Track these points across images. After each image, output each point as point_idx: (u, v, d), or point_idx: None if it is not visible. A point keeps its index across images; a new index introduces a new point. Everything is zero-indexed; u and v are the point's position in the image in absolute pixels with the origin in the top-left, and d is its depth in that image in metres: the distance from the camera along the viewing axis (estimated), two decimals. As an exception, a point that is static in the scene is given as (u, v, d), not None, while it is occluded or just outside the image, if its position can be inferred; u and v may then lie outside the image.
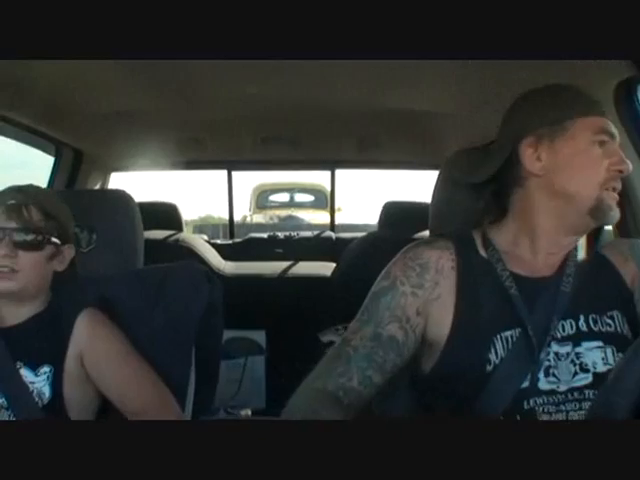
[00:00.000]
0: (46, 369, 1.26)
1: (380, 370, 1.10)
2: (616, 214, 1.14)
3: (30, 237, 1.26)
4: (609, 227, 1.72)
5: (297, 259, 3.29)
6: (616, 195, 1.14)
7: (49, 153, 2.68)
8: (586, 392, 1.09)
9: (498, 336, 1.11)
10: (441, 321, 1.13)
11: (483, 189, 1.25)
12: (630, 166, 1.12)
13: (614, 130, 1.15)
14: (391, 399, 1.32)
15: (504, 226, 1.21)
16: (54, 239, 1.29)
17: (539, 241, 1.17)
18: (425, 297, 1.13)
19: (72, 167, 2.74)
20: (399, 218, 2.64)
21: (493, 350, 1.10)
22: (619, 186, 1.14)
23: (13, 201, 1.26)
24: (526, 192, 1.17)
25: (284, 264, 3.23)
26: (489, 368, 1.09)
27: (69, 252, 1.34)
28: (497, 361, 1.09)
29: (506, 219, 1.21)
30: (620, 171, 1.12)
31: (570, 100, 1.16)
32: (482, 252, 1.18)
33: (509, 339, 1.10)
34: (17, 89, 1.88)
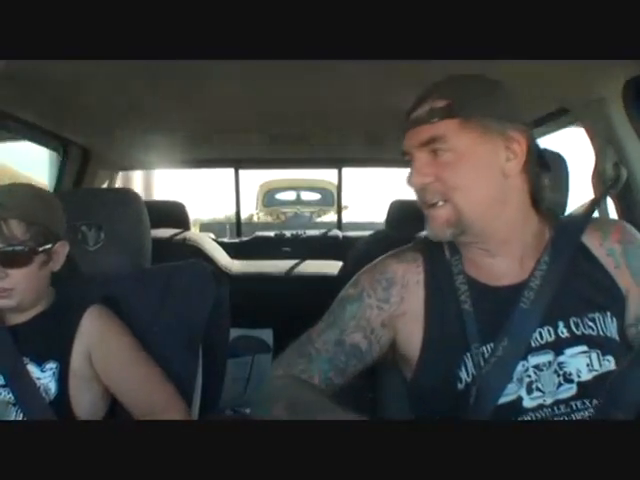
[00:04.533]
0: (52, 365, 1.26)
1: (341, 374, 1.11)
2: (432, 231, 1.10)
3: (16, 253, 1.21)
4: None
5: (304, 258, 3.29)
6: (429, 211, 1.09)
7: (57, 152, 2.70)
8: (572, 404, 1.05)
9: (468, 354, 1.07)
10: (412, 336, 1.12)
11: None
12: (416, 179, 1.08)
13: (411, 146, 1.11)
14: (395, 406, 1.32)
15: None
16: (42, 247, 1.25)
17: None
18: (391, 311, 1.13)
19: (80, 166, 2.75)
20: (406, 217, 2.63)
21: (463, 368, 1.07)
22: (421, 199, 1.10)
23: None
24: None
25: (291, 263, 3.23)
26: (460, 386, 1.07)
27: (62, 249, 1.30)
28: (468, 379, 1.06)
29: None
30: (414, 187, 1.10)
31: None
32: (448, 257, 1.15)
33: (479, 356, 1.06)
34: (25, 88, 1.88)
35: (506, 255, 1.11)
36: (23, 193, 1.27)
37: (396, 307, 1.13)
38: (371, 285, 1.14)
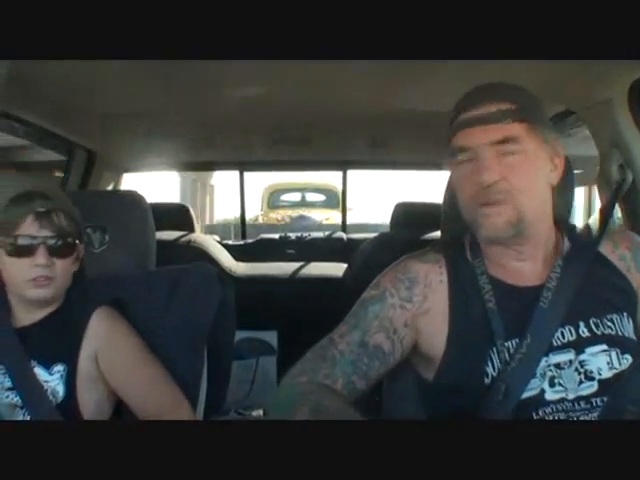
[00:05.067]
0: (60, 368, 1.26)
1: (364, 377, 1.11)
2: (487, 230, 1.09)
3: (63, 244, 1.26)
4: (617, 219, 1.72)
5: (309, 260, 3.29)
6: (489, 210, 1.08)
7: (62, 154, 2.70)
8: (593, 401, 1.08)
9: (494, 348, 1.10)
10: (435, 335, 1.14)
11: None
12: (488, 176, 1.06)
13: (472, 141, 1.09)
14: (400, 409, 1.32)
15: None
16: (77, 242, 1.30)
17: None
18: (414, 311, 1.14)
19: (85, 168, 2.75)
20: (411, 219, 2.64)
21: (490, 363, 1.10)
22: (483, 198, 1.08)
23: (42, 208, 1.24)
24: None
25: (295, 265, 3.23)
26: (487, 381, 1.09)
27: (81, 251, 1.34)
28: (494, 373, 1.09)
29: None
30: (481, 184, 1.07)
31: (450, 123, 1.15)
32: (470, 258, 1.18)
33: (504, 352, 1.09)
34: (30, 89, 1.89)
35: (532, 258, 1.15)
36: (61, 191, 1.34)
37: (419, 306, 1.14)
38: (393, 285, 1.16)
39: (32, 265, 1.23)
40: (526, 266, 1.15)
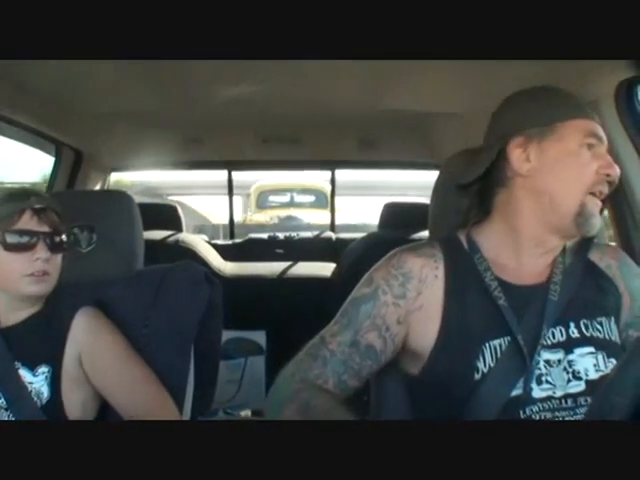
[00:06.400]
0: (44, 369, 1.26)
1: (356, 376, 1.12)
2: (597, 222, 1.13)
3: (59, 240, 1.28)
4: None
5: (297, 260, 3.29)
6: (599, 202, 1.13)
7: (49, 153, 2.69)
8: (579, 399, 1.08)
9: (487, 344, 1.10)
10: (426, 330, 1.13)
11: (471, 189, 1.24)
12: (618, 171, 1.12)
13: (602, 134, 1.15)
14: (388, 406, 1.32)
15: (488, 227, 1.20)
16: (65, 241, 1.31)
17: (522, 243, 1.16)
18: (407, 307, 1.14)
19: (72, 167, 2.74)
20: (399, 219, 2.65)
21: (481, 358, 1.09)
22: (605, 190, 1.13)
23: (40, 205, 1.26)
24: (510, 192, 1.17)
25: (284, 265, 3.23)
26: (477, 376, 1.09)
27: (66, 251, 1.34)
28: (485, 370, 1.09)
29: (490, 220, 1.20)
30: (608, 175, 1.12)
31: (561, 102, 1.17)
32: (470, 254, 1.18)
33: (497, 348, 1.10)
34: (17, 89, 1.87)
35: (541, 257, 1.17)
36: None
37: (412, 302, 1.14)
38: (386, 281, 1.15)
39: (32, 260, 1.23)
40: (528, 265, 1.16)
